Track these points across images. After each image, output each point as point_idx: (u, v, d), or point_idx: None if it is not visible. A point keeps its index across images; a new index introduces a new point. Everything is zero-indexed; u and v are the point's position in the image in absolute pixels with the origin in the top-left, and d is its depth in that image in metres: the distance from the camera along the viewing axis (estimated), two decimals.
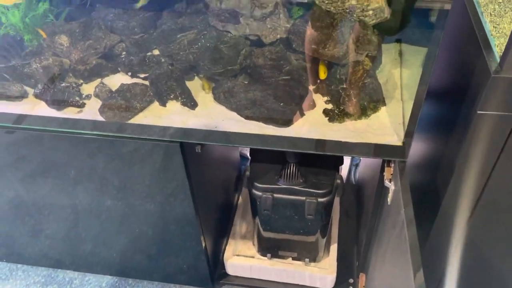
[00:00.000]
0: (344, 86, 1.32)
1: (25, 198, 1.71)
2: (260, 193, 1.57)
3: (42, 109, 1.45)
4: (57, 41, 1.46)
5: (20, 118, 1.42)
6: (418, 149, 1.59)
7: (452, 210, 1.32)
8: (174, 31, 1.42)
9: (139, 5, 1.51)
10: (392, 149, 1.27)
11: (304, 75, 1.36)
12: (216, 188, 1.92)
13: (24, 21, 1.52)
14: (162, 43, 1.43)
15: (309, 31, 1.30)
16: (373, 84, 1.34)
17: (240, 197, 2.13)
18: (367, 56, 1.31)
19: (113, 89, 1.45)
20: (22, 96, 1.47)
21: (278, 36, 1.35)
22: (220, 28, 1.36)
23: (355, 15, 1.24)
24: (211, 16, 1.37)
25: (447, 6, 1.11)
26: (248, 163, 1.70)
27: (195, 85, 1.47)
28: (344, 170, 2.27)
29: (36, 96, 1.47)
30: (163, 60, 1.44)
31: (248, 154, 1.87)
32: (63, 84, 1.45)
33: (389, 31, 1.44)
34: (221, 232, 1.96)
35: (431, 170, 1.47)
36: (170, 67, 1.43)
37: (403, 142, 1.26)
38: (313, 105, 1.36)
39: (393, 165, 1.28)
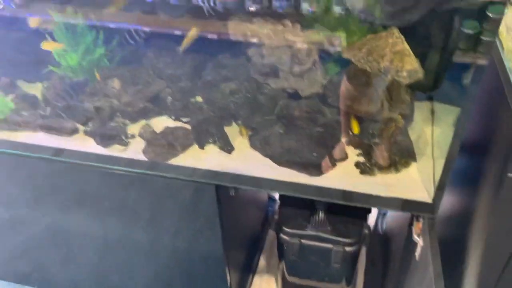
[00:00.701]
0: (376, 141, 1.37)
1: (60, 227, 1.80)
2: (287, 238, 1.61)
3: (90, 146, 1.55)
4: (110, 84, 1.59)
5: (68, 152, 1.53)
6: (448, 203, 1.60)
7: (481, 270, 1.31)
8: (217, 81, 1.52)
9: (182, 48, 1.63)
10: (422, 205, 1.30)
11: (337, 128, 1.43)
12: (243, 228, 1.96)
13: (81, 64, 1.67)
14: (206, 91, 1.53)
15: (344, 87, 1.37)
16: (405, 140, 1.39)
17: (267, 238, 2.17)
18: (399, 113, 1.37)
19: (157, 131, 1.55)
20: (74, 132, 1.59)
21: (315, 91, 1.43)
22: (261, 80, 1.46)
23: (389, 75, 1.31)
24: (253, 69, 1.48)
25: (482, 62, 1.14)
26: (277, 207, 1.75)
27: (232, 130, 1.56)
28: (371, 218, 2.28)
29: (86, 133, 1.58)
30: (205, 106, 1.54)
31: (277, 197, 1.92)
32: (111, 124, 1.56)
33: (422, 89, 1.50)
34: (246, 272, 1.99)
35: (461, 226, 1.47)
36: (211, 113, 1.52)
37: (433, 199, 1.29)
38: (345, 157, 1.41)
39: (422, 220, 1.30)
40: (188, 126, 1.55)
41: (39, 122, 1.59)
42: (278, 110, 1.44)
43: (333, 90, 1.41)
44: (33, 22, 1.68)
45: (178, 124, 1.57)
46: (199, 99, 1.59)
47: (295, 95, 1.47)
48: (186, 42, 1.64)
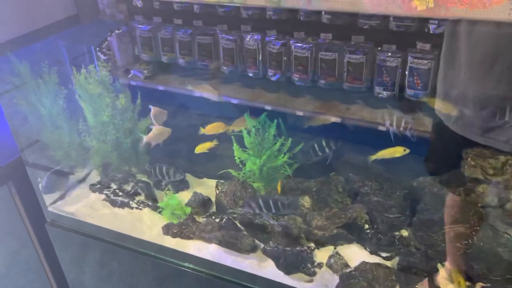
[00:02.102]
0: None
1: None
2: None
3: (269, 268, 1.36)
4: (300, 201, 1.41)
5: (249, 276, 1.34)
6: None
7: None
8: (437, 222, 1.28)
9: (373, 157, 1.43)
10: None
11: None
12: None
13: (261, 170, 1.52)
14: (420, 228, 1.29)
15: None
16: None
17: None
18: None
19: (349, 263, 1.32)
20: (252, 250, 1.40)
21: None
22: (500, 228, 1.20)
23: None
24: (490, 213, 1.22)
25: None
26: None
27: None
28: None
29: (265, 252, 1.39)
30: (412, 243, 1.30)
31: None
32: (297, 248, 1.36)
33: None
34: None
35: None
36: (419, 253, 1.27)
37: None
38: None
39: None
40: (388, 263, 1.31)
41: (214, 233, 1.44)
42: None
43: None
44: (209, 129, 1.59)
45: (376, 259, 1.33)
46: (404, 233, 1.35)
47: None
48: (382, 155, 1.45)
